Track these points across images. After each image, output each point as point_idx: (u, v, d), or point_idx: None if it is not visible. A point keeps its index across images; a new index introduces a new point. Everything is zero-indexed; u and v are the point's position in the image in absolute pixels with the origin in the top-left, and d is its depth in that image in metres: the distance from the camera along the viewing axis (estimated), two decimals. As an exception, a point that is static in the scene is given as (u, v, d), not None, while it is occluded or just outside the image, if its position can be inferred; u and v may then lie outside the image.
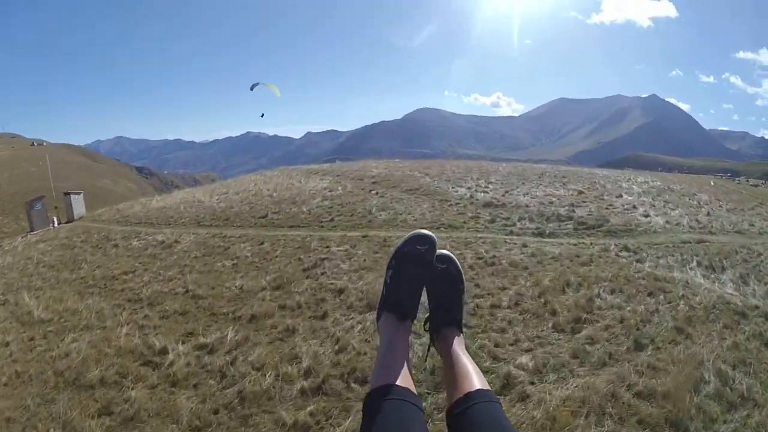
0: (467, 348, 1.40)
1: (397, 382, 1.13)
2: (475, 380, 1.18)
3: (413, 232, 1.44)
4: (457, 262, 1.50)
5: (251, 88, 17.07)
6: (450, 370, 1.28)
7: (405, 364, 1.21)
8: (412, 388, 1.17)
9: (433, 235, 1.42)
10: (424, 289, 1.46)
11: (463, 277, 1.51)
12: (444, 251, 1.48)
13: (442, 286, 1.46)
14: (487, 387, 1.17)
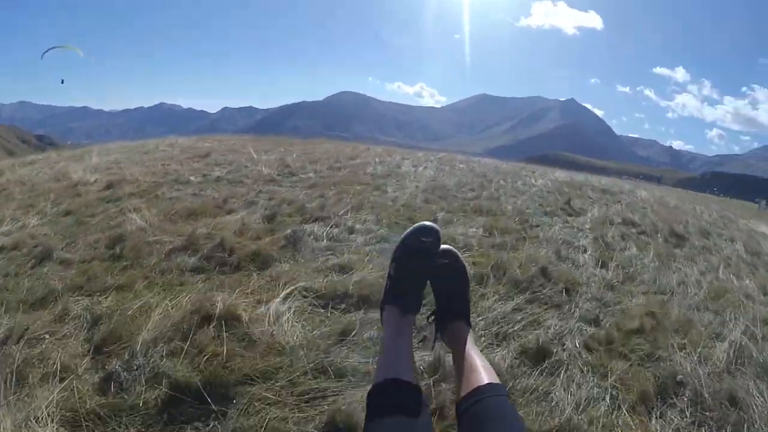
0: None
1: (401, 377, 1.16)
2: (484, 374, 1.20)
3: (418, 224, 1.50)
4: (461, 256, 1.57)
5: (42, 56, 15.95)
6: (459, 364, 1.31)
7: (408, 359, 1.27)
8: (416, 383, 1.21)
9: (437, 227, 1.50)
10: (429, 283, 1.50)
11: (467, 271, 1.56)
12: (446, 246, 1.54)
13: (448, 280, 1.51)
14: (496, 381, 1.20)
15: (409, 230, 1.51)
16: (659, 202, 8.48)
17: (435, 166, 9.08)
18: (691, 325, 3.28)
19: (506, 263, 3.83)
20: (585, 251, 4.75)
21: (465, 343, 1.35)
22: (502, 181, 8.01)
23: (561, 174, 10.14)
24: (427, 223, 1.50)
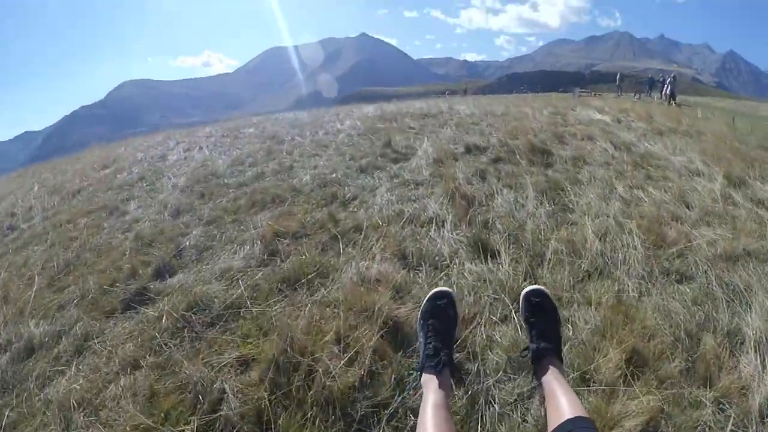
0: None
1: None
2: (572, 408, 1.22)
3: (432, 291, 1.66)
4: (550, 296, 1.64)
5: None
6: (549, 398, 1.33)
7: (447, 420, 1.28)
8: None
9: (449, 289, 1.68)
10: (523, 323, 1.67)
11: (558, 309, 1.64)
12: (537, 287, 1.68)
13: (539, 318, 1.57)
14: (584, 414, 1.21)
15: (426, 298, 1.65)
16: (488, 113, 7.21)
17: (213, 143, 6.84)
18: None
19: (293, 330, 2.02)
20: (442, 225, 2.99)
21: (554, 378, 1.37)
22: (298, 137, 6.02)
23: (369, 109, 8.53)
24: (439, 288, 1.66)
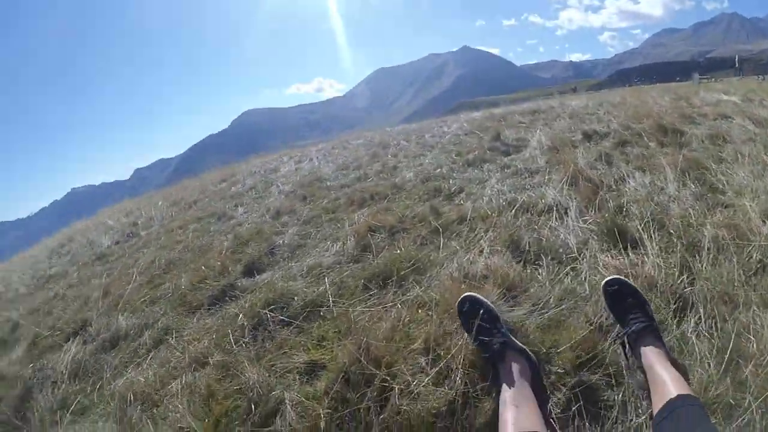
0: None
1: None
2: (675, 387, 1.14)
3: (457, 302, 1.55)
4: (629, 282, 1.53)
5: None
6: (651, 379, 1.23)
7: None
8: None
9: (469, 295, 1.53)
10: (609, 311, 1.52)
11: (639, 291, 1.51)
12: (612, 276, 1.54)
13: (621, 304, 1.47)
14: (687, 391, 1.13)
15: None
16: (604, 103, 6.24)
17: (323, 154, 6.94)
18: None
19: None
20: (565, 213, 2.40)
21: (654, 358, 1.25)
22: (404, 142, 5.78)
23: (476, 114, 8.00)
24: (463, 296, 1.53)
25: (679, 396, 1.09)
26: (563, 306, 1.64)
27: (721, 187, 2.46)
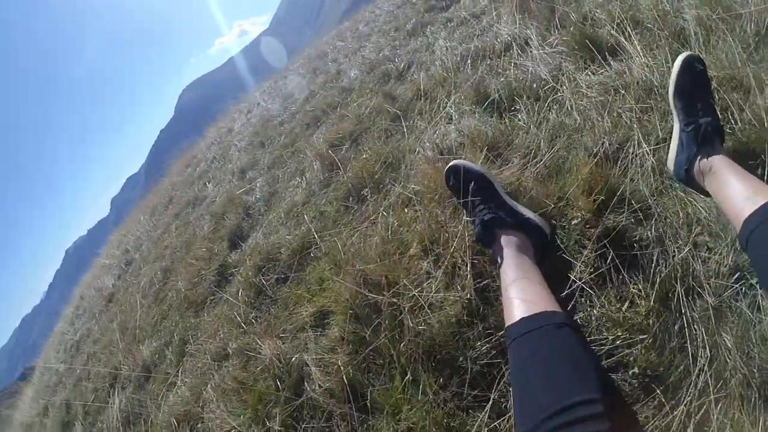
0: None
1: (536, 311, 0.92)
2: (751, 199, 0.88)
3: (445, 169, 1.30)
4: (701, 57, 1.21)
5: None
6: (724, 187, 0.98)
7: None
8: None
9: (456, 164, 1.26)
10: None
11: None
12: (694, 53, 1.24)
13: (705, 90, 1.16)
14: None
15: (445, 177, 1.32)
16: None
17: (269, 94, 6.44)
18: None
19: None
20: (526, 44, 2.11)
21: (730, 161, 1.01)
22: (340, 43, 5.46)
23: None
24: (447, 168, 1.27)
25: (759, 209, 0.86)
26: (557, 146, 1.43)
27: None
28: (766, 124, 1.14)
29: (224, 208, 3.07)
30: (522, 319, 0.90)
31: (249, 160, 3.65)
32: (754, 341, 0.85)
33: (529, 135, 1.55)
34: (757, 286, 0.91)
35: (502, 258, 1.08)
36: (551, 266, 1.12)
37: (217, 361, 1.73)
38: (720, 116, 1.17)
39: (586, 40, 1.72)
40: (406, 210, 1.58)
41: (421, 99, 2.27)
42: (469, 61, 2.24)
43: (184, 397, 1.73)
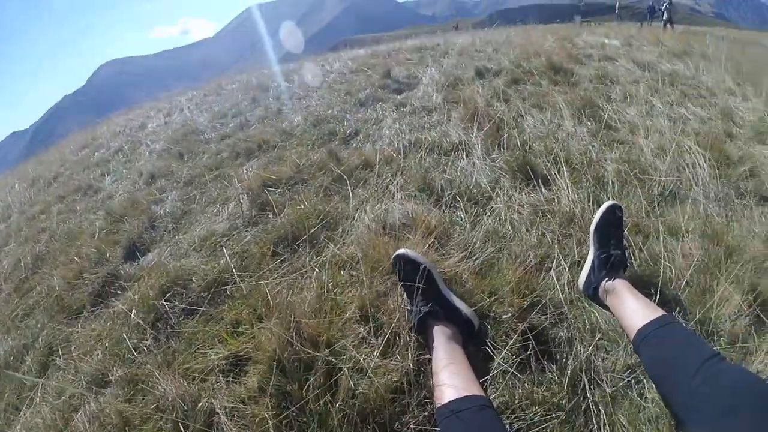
0: None
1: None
2: (643, 314, 1.14)
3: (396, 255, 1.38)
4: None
5: None
6: (623, 305, 1.23)
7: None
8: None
9: (401, 253, 1.35)
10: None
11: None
12: (616, 203, 1.48)
13: (619, 231, 1.44)
14: (659, 314, 1.13)
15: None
16: (490, 42, 6.32)
17: (195, 104, 6.20)
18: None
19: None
20: (470, 151, 2.36)
21: (626, 287, 1.27)
22: (284, 83, 5.39)
23: (359, 51, 7.72)
24: (396, 255, 1.34)
25: (650, 322, 1.10)
26: (490, 248, 1.62)
27: (614, 124, 2.63)
28: (659, 264, 1.46)
29: (124, 209, 2.81)
30: (451, 401, 1.01)
31: (162, 167, 3.41)
32: (642, 421, 1.09)
33: (465, 233, 1.72)
34: (644, 381, 1.17)
35: (434, 346, 1.19)
36: (478, 352, 1.25)
37: (93, 387, 1.50)
38: (626, 251, 1.45)
39: (526, 165, 2.02)
40: (341, 272, 1.62)
41: (366, 169, 2.38)
42: (419, 151, 2.43)
43: (46, 419, 1.46)
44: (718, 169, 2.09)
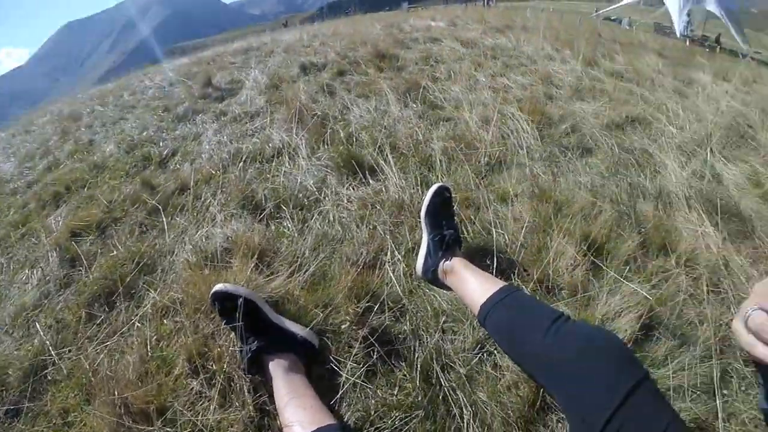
0: None
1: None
2: (495, 281, 1.17)
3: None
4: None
5: None
6: (465, 281, 1.23)
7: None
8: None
9: (219, 289, 1.21)
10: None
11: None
12: (444, 185, 1.49)
13: (449, 211, 1.46)
14: (499, 286, 1.13)
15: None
16: (317, 35, 6.25)
17: (1, 148, 5.02)
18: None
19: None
20: (295, 153, 2.27)
21: (464, 264, 1.28)
22: (99, 107, 4.69)
23: (183, 60, 7.06)
24: (211, 293, 1.20)
25: (501, 288, 1.10)
26: (321, 255, 1.55)
27: (439, 103, 2.72)
28: (492, 233, 1.52)
29: None
30: None
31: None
32: (502, 391, 1.10)
33: (294, 243, 1.63)
34: (495, 352, 1.19)
35: (273, 383, 1.09)
36: (324, 372, 1.18)
37: None
38: (458, 229, 1.47)
39: (351, 159, 1.98)
40: (164, 321, 1.42)
41: (183, 194, 2.15)
42: (239, 162, 2.27)
43: None
44: (540, 130, 2.28)
